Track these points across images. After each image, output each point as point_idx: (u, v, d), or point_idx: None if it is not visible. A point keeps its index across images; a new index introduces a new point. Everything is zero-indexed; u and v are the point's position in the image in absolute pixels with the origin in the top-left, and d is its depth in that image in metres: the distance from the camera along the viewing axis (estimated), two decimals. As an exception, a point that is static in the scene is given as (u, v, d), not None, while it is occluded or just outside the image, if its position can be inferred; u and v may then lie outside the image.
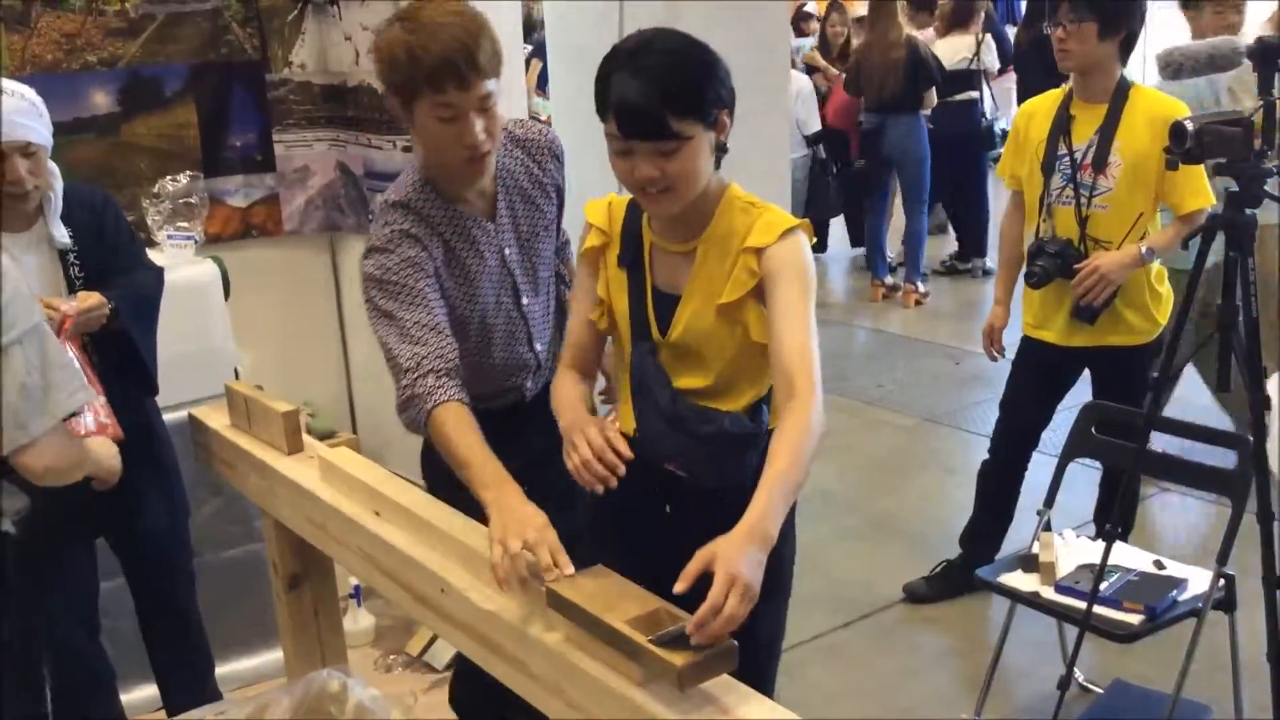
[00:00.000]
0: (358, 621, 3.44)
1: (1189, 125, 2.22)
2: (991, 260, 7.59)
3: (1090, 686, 3.05)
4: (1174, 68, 3.84)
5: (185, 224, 3.22)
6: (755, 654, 1.65)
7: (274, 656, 3.34)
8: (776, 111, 4.54)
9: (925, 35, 7.33)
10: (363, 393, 4.48)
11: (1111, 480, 3.30)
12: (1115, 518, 2.56)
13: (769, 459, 1.70)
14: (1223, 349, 2.25)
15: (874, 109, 6.80)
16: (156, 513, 2.69)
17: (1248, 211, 2.24)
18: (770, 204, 1.95)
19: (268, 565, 3.30)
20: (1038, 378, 3.34)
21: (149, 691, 2.99)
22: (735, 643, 1.44)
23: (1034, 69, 7.26)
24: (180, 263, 3.19)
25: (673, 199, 1.84)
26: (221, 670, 3.04)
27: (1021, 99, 5.44)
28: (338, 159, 4.28)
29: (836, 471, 4.44)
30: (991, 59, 7.83)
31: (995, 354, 3.44)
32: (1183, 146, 2.22)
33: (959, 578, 3.55)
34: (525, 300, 2.27)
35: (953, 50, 7.25)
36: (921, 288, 6.95)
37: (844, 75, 7.30)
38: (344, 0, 4.00)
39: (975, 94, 7.13)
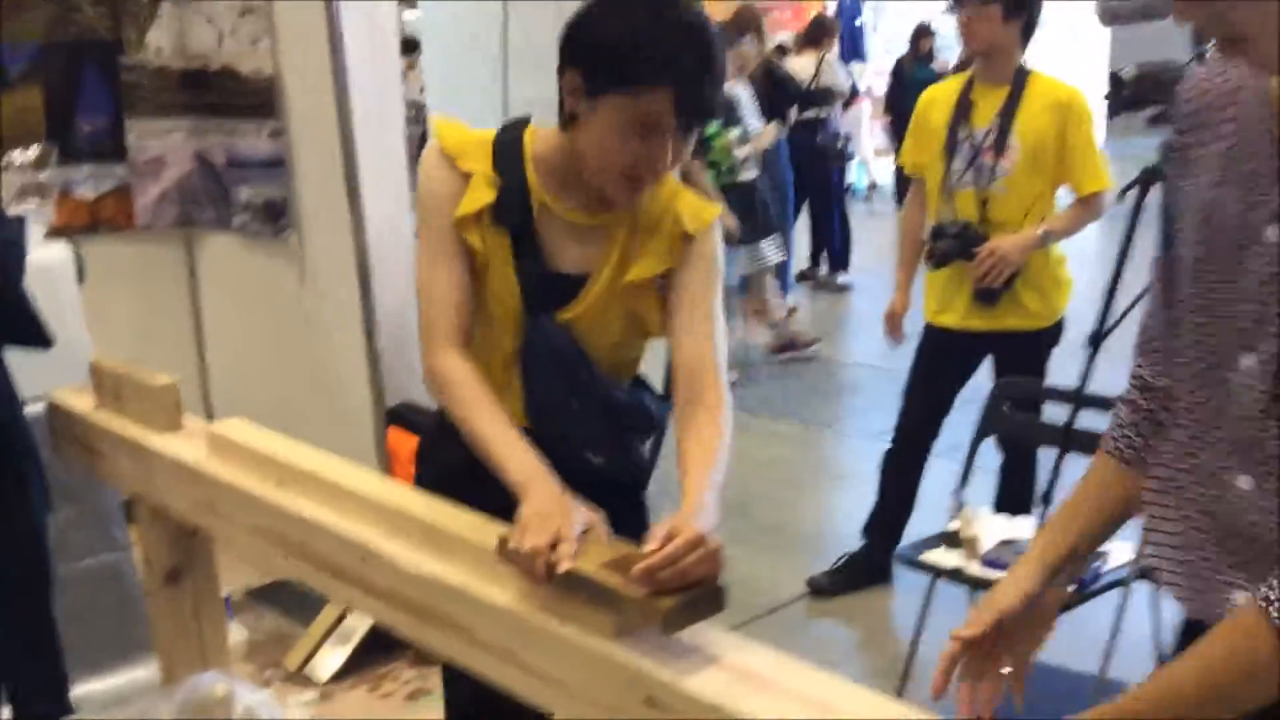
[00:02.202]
0: (228, 636, 3.15)
1: (1127, 72, 2.21)
2: (850, 276, 7.72)
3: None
4: (1110, 14, 3.89)
5: (35, 200, 2.92)
6: None
7: (134, 676, 3.04)
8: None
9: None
10: (221, 402, 4.19)
11: (1015, 462, 3.28)
12: (1048, 490, 2.52)
13: (688, 455, 1.56)
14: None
15: None
16: (20, 503, 2.41)
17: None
18: (675, 180, 1.77)
19: (131, 571, 3.07)
20: (939, 364, 3.32)
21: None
22: (722, 585, 1.30)
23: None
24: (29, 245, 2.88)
25: (652, 185, 1.65)
26: (75, 692, 2.73)
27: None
28: (196, 149, 3.99)
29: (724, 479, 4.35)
30: (838, 78, 7.98)
31: (896, 339, 3.41)
32: (1121, 92, 2.21)
33: (862, 570, 3.49)
34: None
35: (802, 68, 7.39)
36: (790, 301, 6.98)
37: None
38: (207, -22, 3.76)
39: (823, 112, 7.28)
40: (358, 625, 3.13)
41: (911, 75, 9.04)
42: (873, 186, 11.78)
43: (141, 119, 4.03)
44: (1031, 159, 3.07)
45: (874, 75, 11.48)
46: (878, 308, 3.39)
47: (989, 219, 3.11)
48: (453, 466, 1.77)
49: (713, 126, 5.12)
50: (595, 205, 1.71)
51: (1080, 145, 3.06)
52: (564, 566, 1.32)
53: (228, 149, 3.90)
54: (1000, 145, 3.08)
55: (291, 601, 3.46)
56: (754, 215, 5.67)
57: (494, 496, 1.56)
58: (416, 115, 3.98)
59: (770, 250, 6.03)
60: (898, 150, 9.06)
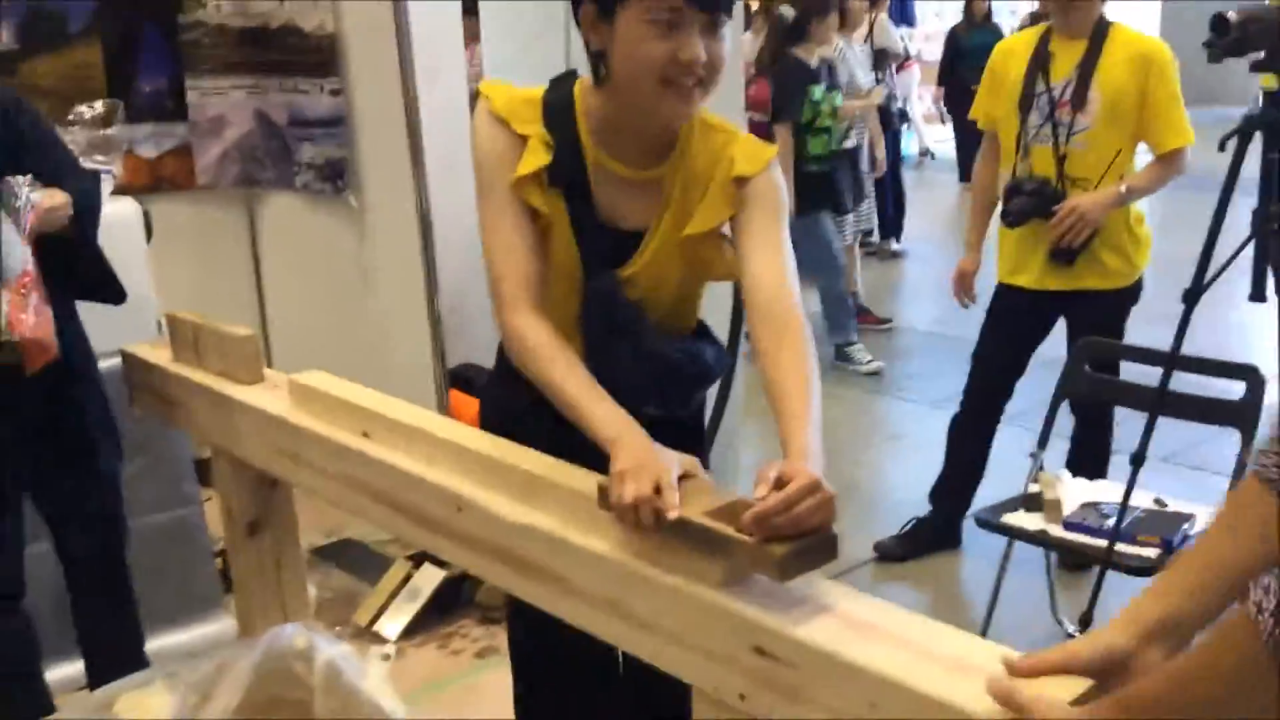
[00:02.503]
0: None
1: (1232, 15, 2.13)
2: (903, 243, 7.62)
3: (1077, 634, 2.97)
4: None
5: (103, 157, 2.91)
6: None
7: (206, 631, 3.07)
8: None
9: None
10: (283, 362, 4.19)
11: (1091, 425, 3.21)
12: (1139, 452, 2.45)
13: (786, 395, 1.49)
14: (1258, 256, 2.17)
15: None
16: (101, 451, 2.43)
17: None
18: (733, 124, 1.73)
19: (202, 526, 3.09)
20: (1012, 326, 3.25)
21: (65, 671, 2.68)
22: (836, 534, 1.27)
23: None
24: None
25: (703, 93, 1.59)
26: (148, 646, 2.74)
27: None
28: (256, 108, 3.98)
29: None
30: (892, 39, 7.83)
31: (966, 300, 3.35)
32: (1225, 36, 2.13)
33: (929, 535, 3.45)
34: None
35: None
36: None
37: None
38: (269, -67, 3.73)
39: (879, 75, 7.16)
40: (425, 583, 3.13)
41: (968, 42, 8.86)
42: (924, 153, 11.62)
43: (202, 78, 4.02)
44: (1111, 113, 2.98)
45: (922, 40, 11.31)
46: (931, 275, 3.33)
47: (1067, 175, 3.04)
48: (516, 411, 1.76)
49: (818, 91, 5.02)
50: (648, 157, 1.68)
51: (1163, 100, 2.98)
52: (674, 514, 1.29)
53: (289, 107, 3.88)
54: (1079, 99, 3.00)
55: (358, 560, 3.47)
56: (859, 182, 5.59)
57: (560, 441, 1.55)
58: (478, 75, 3.95)
59: (866, 216, 6.01)
60: (957, 121, 8.99)
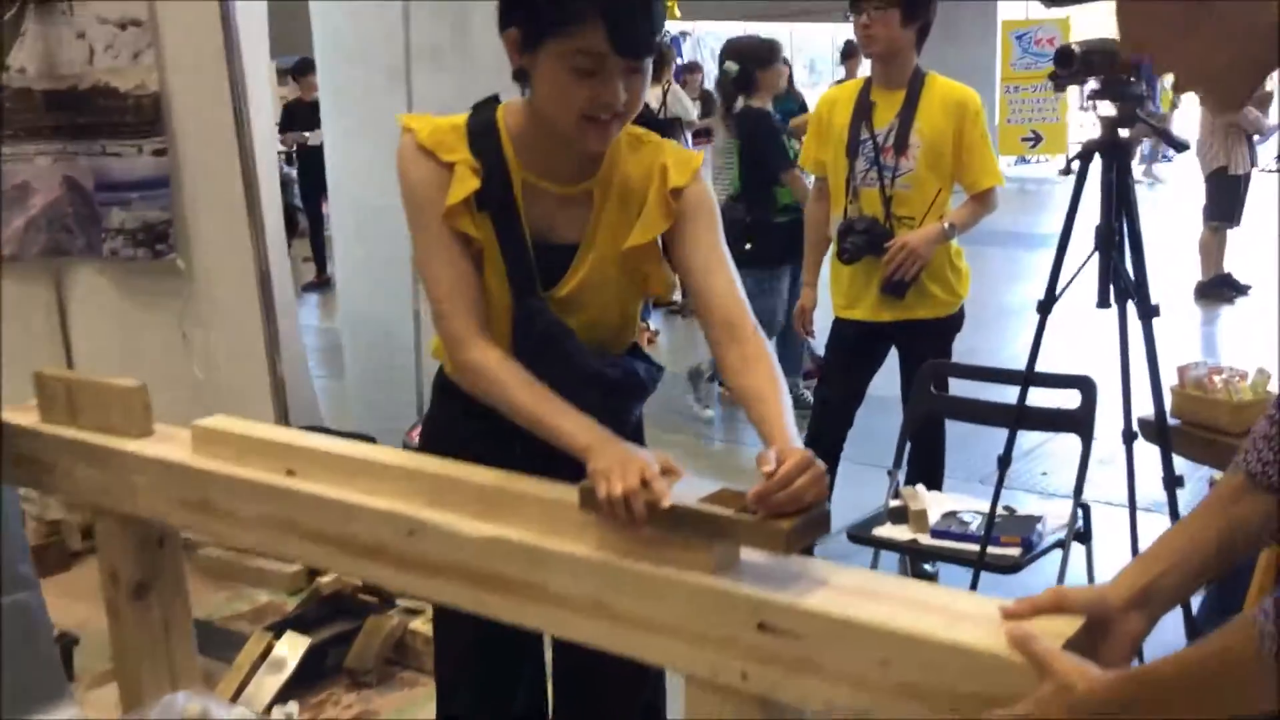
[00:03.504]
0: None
1: (1075, 47, 2.36)
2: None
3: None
4: None
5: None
6: None
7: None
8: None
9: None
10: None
11: (927, 439, 3.40)
12: (1006, 453, 2.64)
13: (762, 401, 1.55)
14: (1103, 267, 2.40)
15: None
16: None
17: (1122, 133, 2.41)
18: (653, 134, 1.79)
19: (42, 609, 2.85)
20: (850, 356, 3.43)
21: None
22: (829, 507, 1.33)
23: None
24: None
25: (619, 126, 1.65)
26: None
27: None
28: (64, 173, 3.79)
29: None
30: (684, 108, 8.17)
31: (807, 334, 3.52)
32: (1069, 67, 2.36)
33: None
34: None
35: (651, 97, 7.54)
36: (653, 326, 7.11)
37: None
38: (79, -6, 3.59)
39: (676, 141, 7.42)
40: (289, 653, 3.01)
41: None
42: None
43: (5, 144, 3.81)
44: (931, 156, 3.23)
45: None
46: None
47: (894, 214, 3.26)
48: (459, 450, 1.74)
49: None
50: (576, 173, 1.72)
51: (976, 142, 3.24)
52: (667, 502, 1.33)
53: (97, 172, 3.72)
54: (901, 144, 3.23)
55: (207, 638, 3.29)
56: None
57: (512, 460, 1.59)
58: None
59: None
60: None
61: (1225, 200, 7.50)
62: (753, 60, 4.99)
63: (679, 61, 9.14)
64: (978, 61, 13.32)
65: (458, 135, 1.70)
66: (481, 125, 1.71)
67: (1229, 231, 7.64)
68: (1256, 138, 7.88)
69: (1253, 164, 7.66)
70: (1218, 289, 7.59)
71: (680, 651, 1.36)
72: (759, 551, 1.34)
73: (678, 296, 7.83)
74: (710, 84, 10.20)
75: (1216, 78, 1.07)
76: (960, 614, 1.23)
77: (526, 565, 1.46)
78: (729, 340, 1.63)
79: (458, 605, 1.57)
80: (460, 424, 1.77)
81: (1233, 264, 7.72)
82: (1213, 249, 7.66)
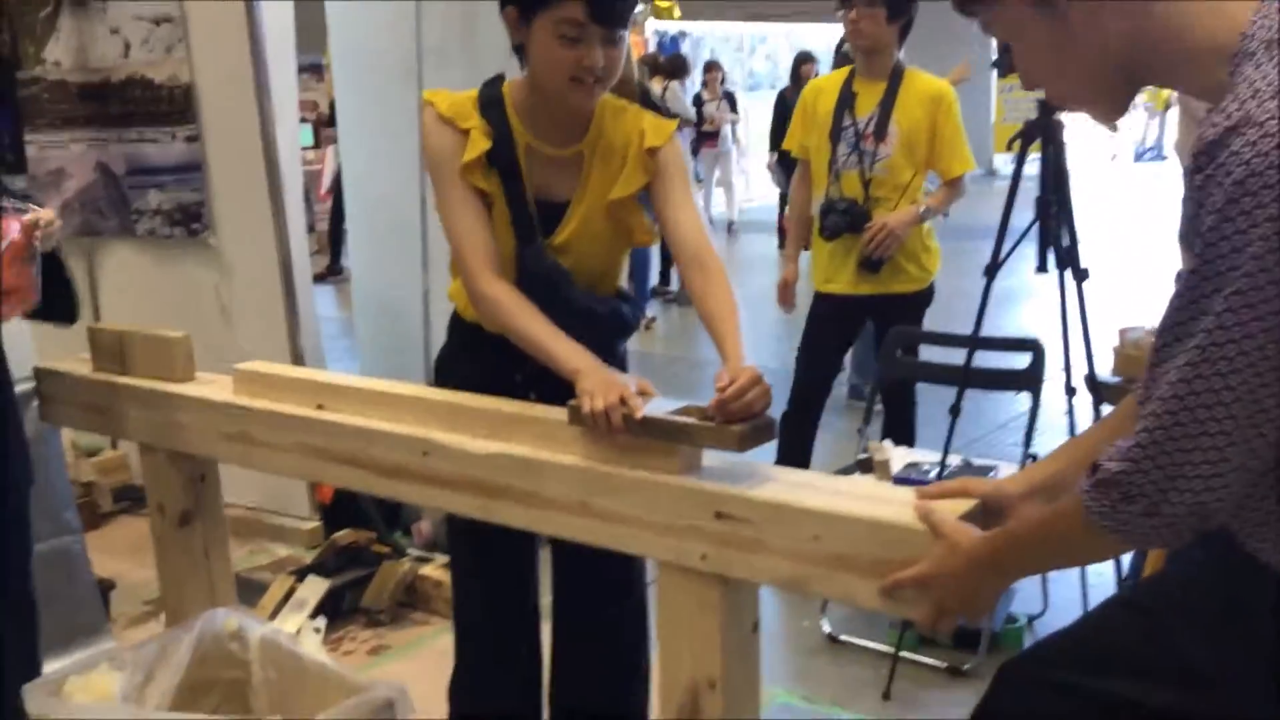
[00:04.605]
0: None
1: None
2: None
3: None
4: None
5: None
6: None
7: (83, 656, 3.09)
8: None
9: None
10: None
11: (898, 400, 3.66)
12: (956, 404, 2.90)
13: (720, 321, 1.83)
14: (1041, 235, 2.65)
15: None
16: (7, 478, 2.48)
17: (1057, 115, 2.67)
18: (634, 104, 2.07)
19: (83, 554, 3.09)
20: (829, 328, 3.68)
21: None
22: (773, 417, 1.60)
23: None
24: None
25: (602, 89, 1.93)
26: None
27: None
28: (97, 159, 4.07)
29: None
30: (683, 107, 8.42)
31: (788, 307, 3.78)
32: (1009, 53, 2.60)
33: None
34: None
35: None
36: (648, 314, 7.38)
37: None
38: (115, -9, 3.86)
39: None
40: (309, 594, 3.27)
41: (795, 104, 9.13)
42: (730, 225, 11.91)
43: (41, 132, 4.09)
44: (908, 145, 3.48)
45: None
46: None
47: (872, 196, 3.51)
48: (469, 378, 2.02)
49: None
50: (569, 137, 2.00)
51: (950, 133, 3.50)
52: (640, 413, 1.59)
53: (128, 158, 3.99)
54: (881, 132, 3.49)
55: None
56: None
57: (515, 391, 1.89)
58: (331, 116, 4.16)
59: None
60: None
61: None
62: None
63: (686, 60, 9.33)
64: (975, 62, 13.55)
65: (471, 105, 1.99)
66: (490, 97, 1.99)
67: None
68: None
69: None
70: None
71: (651, 540, 1.62)
72: (718, 455, 1.60)
73: (674, 286, 8.18)
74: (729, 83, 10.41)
75: (1096, 89, 1.30)
76: (883, 499, 1.50)
77: (524, 475, 1.73)
78: (696, 269, 1.91)
79: (468, 512, 1.83)
80: (469, 355, 2.05)
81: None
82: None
